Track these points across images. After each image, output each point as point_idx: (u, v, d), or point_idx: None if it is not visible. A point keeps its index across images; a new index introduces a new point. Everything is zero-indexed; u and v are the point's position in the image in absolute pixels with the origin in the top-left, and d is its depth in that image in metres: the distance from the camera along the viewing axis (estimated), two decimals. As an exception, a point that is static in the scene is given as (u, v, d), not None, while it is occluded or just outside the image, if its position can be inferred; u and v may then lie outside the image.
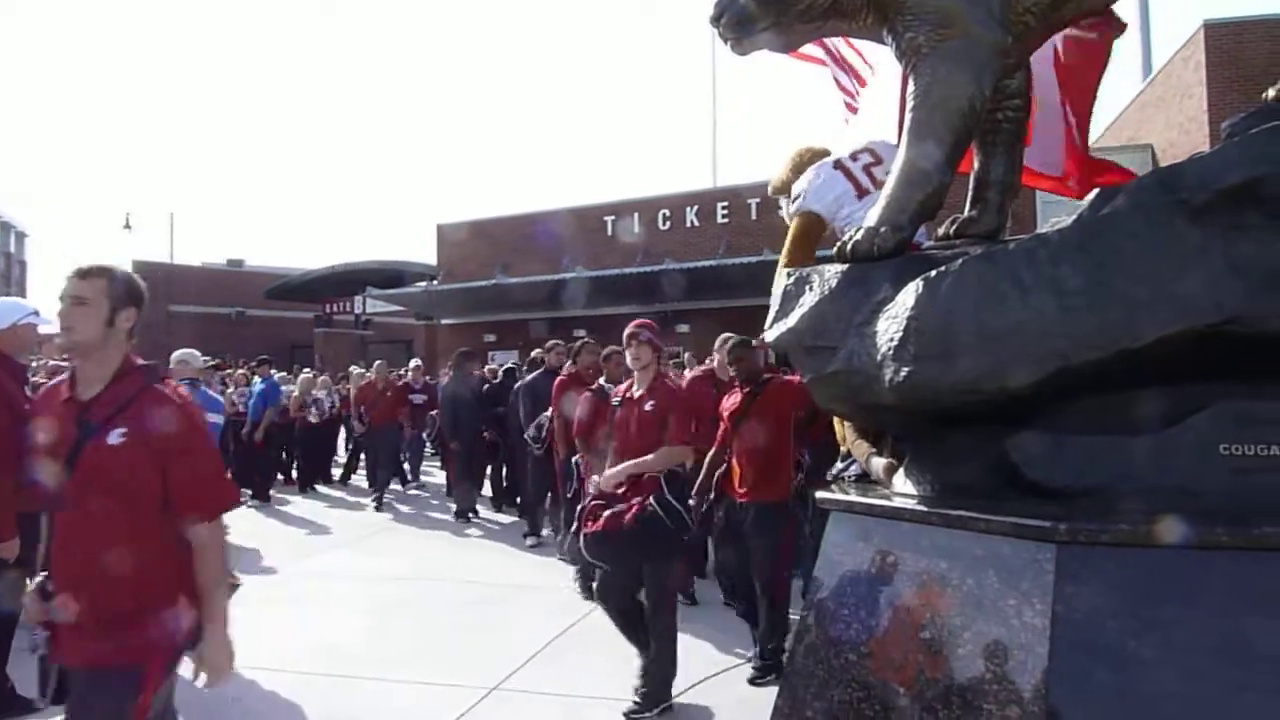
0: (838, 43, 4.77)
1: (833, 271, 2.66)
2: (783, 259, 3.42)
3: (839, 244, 2.73)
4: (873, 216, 2.70)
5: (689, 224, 21.28)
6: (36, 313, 4.57)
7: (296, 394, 13.23)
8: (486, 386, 10.86)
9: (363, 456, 13.54)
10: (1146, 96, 16.82)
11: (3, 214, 53.27)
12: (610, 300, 20.20)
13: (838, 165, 3.59)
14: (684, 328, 20.08)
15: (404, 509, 11.47)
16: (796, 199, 3.58)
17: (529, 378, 9.05)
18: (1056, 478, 2.26)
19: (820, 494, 2.73)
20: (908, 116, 2.71)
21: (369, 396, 12.33)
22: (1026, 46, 2.90)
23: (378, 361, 12.35)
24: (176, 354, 5.96)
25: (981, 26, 2.66)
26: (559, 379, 7.90)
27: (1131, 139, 16.79)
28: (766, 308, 2.88)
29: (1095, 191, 2.52)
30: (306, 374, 15.07)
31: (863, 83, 4.69)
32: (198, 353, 6.12)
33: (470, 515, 10.38)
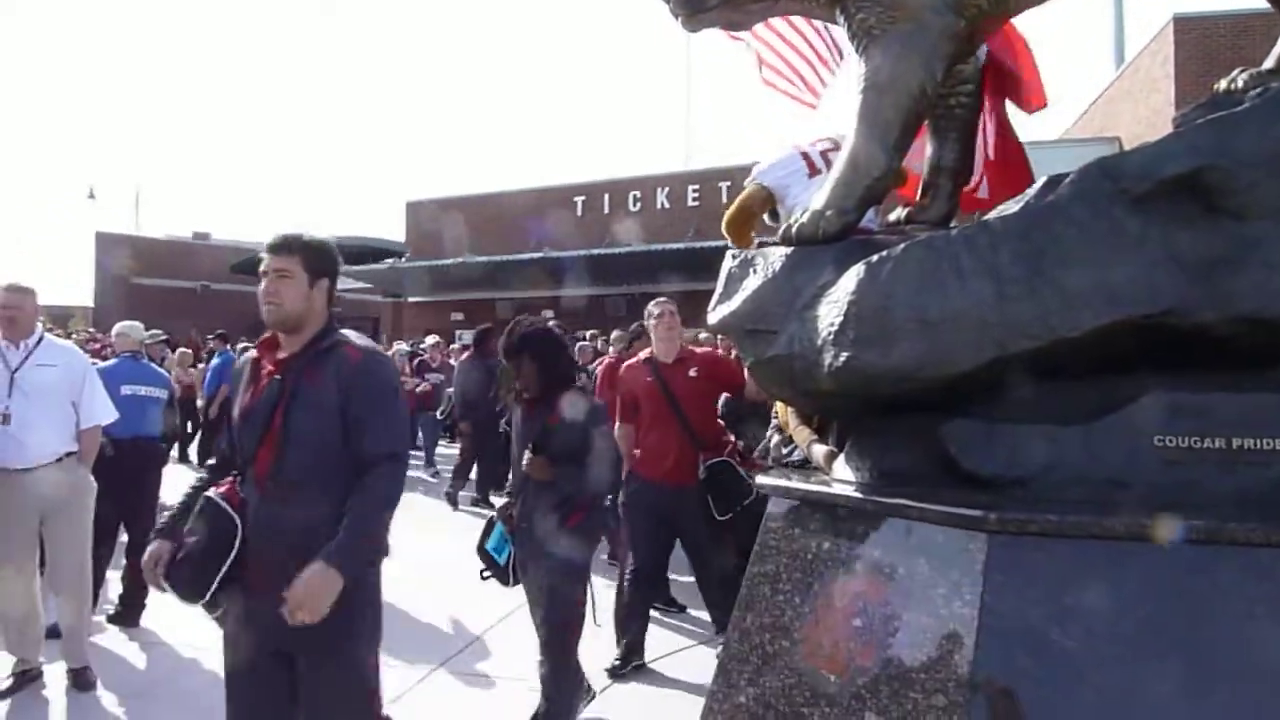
0: (805, 32, 4.75)
1: (777, 254, 2.63)
2: (725, 226, 3.44)
3: (784, 227, 2.70)
4: (819, 199, 2.67)
5: (659, 206, 21.25)
6: None
7: None
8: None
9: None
10: (1115, 89, 16.95)
11: (-38, 181, 52.14)
12: (578, 281, 20.13)
13: (795, 147, 3.57)
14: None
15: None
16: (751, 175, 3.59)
17: (462, 361, 8.72)
18: (989, 466, 2.24)
19: (760, 478, 2.71)
20: (856, 99, 2.67)
21: None
22: (979, 32, 2.87)
23: None
24: (117, 326, 5.83)
25: (933, 10, 2.62)
26: (607, 363, 7.33)
27: (1100, 131, 16.93)
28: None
29: (1043, 179, 2.50)
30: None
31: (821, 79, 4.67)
32: (140, 325, 5.99)
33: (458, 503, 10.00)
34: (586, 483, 3.88)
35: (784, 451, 3.16)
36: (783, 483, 2.63)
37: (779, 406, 3.29)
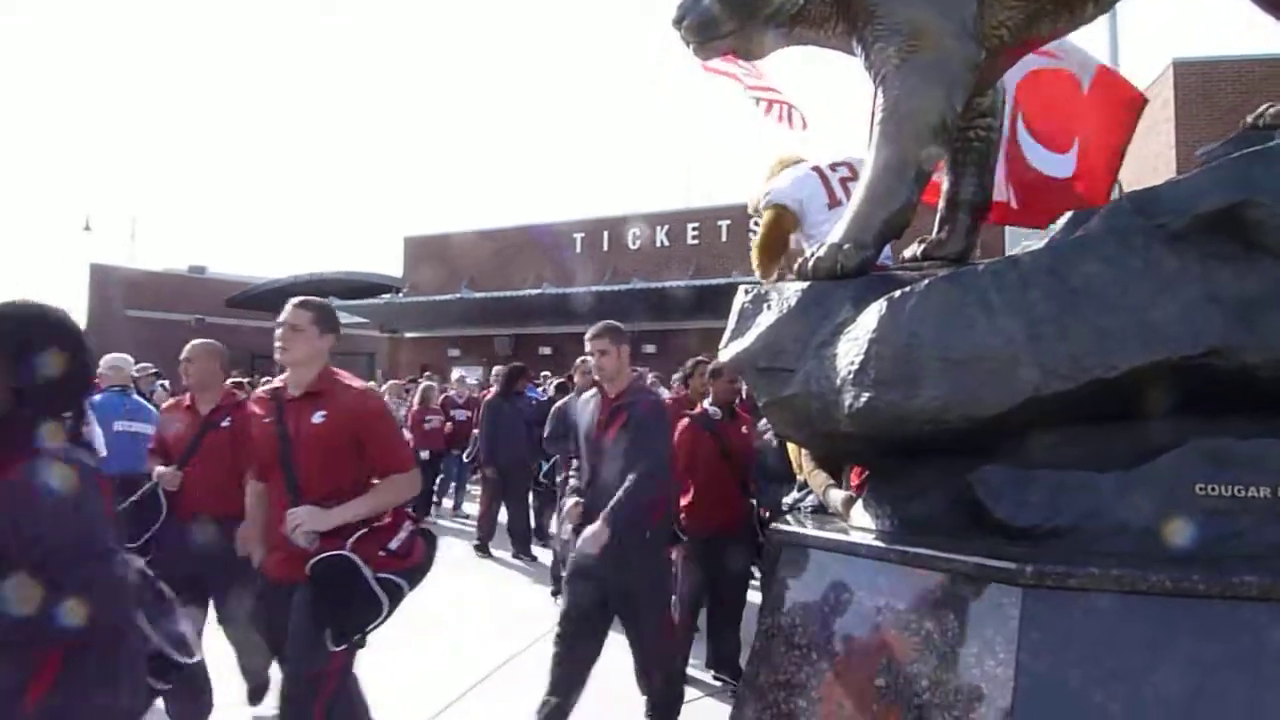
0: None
1: (792, 290, 2.52)
2: (755, 254, 3.24)
3: (799, 261, 2.59)
4: (836, 233, 2.56)
5: (659, 243, 21.21)
6: None
7: None
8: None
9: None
10: (1113, 132, 16.99)
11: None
12: (576, 318, 20.07)
13: (815, 169, 3.42)
14: (650, 348, 19.99)
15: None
16: (767, 194, 3.38)
17: (561, 400, 7.82)
18: (1022, 515, 2.12)
19: (774, 526, 2.57)
20: (875, 130, 2.58)
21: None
22: (999, 63, 2.80)
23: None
24: (107, 359, 5.66)
25: (954, 40, 2.54)
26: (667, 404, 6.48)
27: (1098, 174, 16.94)
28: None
29: (1068, 214, 2.41)
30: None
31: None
32: (130, 358, 5.84)
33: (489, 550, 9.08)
34: (38, 614, 1.89)
35: (795, 496, 3.03)
36: (797, 530, 2.50)
37: (791, 449, 3.16)
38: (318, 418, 3.19)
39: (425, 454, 10.94)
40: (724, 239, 20.03)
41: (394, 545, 3.13)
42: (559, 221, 22.82)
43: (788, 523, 2.65)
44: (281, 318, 3.26)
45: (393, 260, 26.59)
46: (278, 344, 3.24)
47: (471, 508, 11.32)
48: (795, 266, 2.60)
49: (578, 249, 22.07)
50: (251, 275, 35.80)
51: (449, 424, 11.63)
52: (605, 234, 21.88)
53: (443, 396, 11.89)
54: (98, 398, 5.43)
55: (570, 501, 4.20)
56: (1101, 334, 2.08)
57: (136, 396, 5.75)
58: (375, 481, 3.20)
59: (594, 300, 19.35)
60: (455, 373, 13.54)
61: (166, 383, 12.91)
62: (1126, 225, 2.16)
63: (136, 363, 6.55)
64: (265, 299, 31.72)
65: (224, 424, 4.38)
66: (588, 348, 4.13)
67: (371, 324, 27.64)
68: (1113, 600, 1.84)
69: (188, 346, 4.58)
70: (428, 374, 15.11)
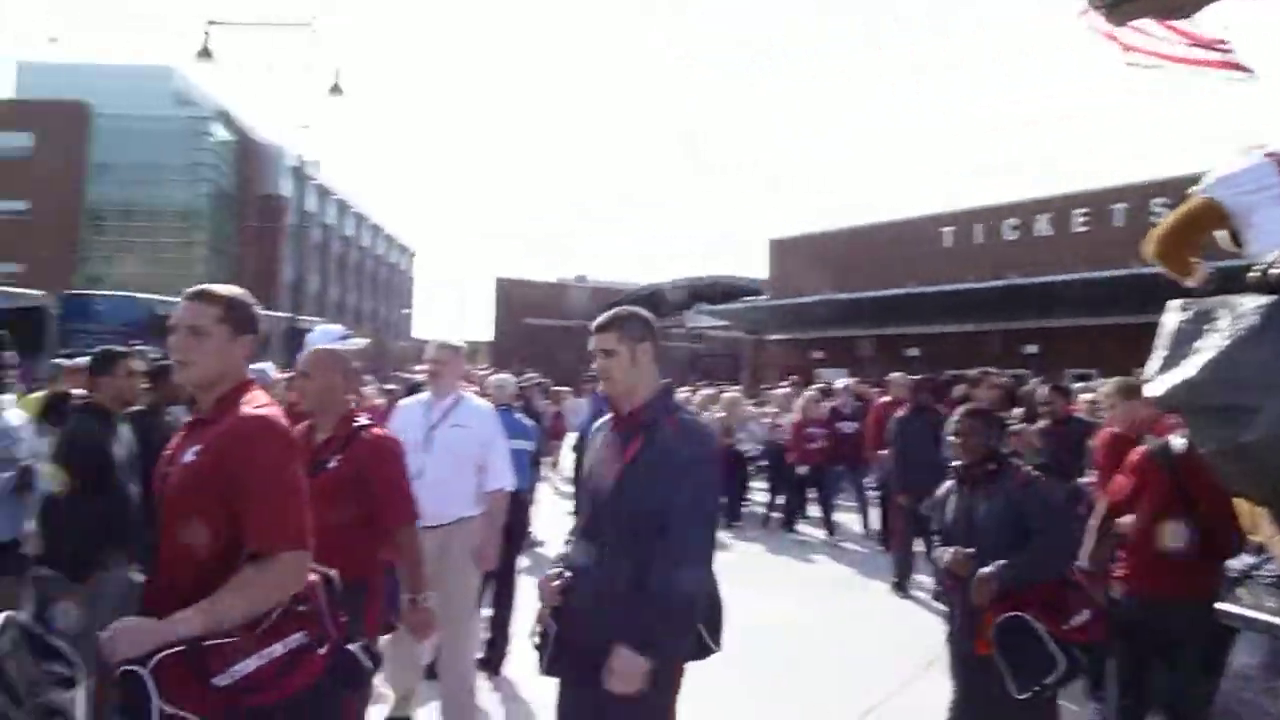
0: None
1: (1249, 306, 1.96)
2: (1154, 243, 2.51)
3: (1259, 267, 2.02)
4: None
5: (1038, 233, 19.46)
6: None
7: (723, 414, 11.20)
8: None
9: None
10: None
11: (396, 233, 61.77)
12: (948, 318, 18.98)
13: (1270, 155, 2.66)
14: (1032, 349, 18.34)
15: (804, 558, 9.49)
16: (1204, 180, 2.62)
17: (901, 415, 7.28)
18: None
19: (1224, 606, 2.03)
20: None
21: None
22: None
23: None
24: (492, 379, 6.07)
25: None
26: (1109, 433, 5.41)
27: None
28: (1134, 328, 2.18)
29: None
30: (734, 393, 12.72)
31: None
32: (511, 378, 6.20)
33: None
34: None
35: (1250, 562, 2.39)
36: (1261, 617, 1.94)
37: (1242, 505, 2.50)
38: (190, 454, 2.24)
39: (804, 469, 10.44)
40: (1119, 224, 17.87)
41: (236, 671, 1.96)
42: (929, 215, 21.79)
43: (1240, 599, 2.08)
44: (174, 317, 2.31)
45: (759, 262, 26.98)
46: (174, 355, 2.34)
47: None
48: (1253, 273, 2.03)
49: (948, 243, 20.89)
50: (624, 281, 38.37)
51: (831, 439, 10.54)
52: (979, 227, 20.50)
53: (830, 406, 10.85)
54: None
55: (552, 572, 2.83)
56: None
57: (517, 415, 6.07)
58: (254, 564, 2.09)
59: (966, 299, 18.21)
60: (839, 380, 12.64)
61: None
62: None
63: (524, 369, 7.01)
64: (637, 304, 33.80)
65: (331, 464, 3.30)
66: (590, 344, 2.86)
67: (736, 327, 28.29)
68: None
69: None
70: (793, 378, 14.96)
